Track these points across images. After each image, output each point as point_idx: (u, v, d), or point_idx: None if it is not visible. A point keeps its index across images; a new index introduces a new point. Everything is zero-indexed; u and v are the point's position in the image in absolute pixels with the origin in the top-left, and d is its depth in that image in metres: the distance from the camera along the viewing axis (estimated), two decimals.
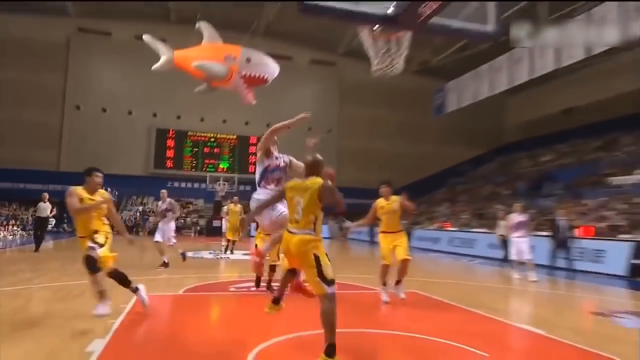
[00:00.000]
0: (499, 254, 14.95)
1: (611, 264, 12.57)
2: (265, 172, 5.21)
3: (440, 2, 3.88)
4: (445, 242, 20.53)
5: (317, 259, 3.63)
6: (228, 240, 13.67)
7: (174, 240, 10.66)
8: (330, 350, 3.39)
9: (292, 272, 4.17)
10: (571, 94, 29.02)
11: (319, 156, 4.14)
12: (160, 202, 10.92)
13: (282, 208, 4.47)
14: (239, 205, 13.71)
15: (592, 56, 18.27)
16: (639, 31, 16.08)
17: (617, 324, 6.32)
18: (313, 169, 4.07)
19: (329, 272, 3.64)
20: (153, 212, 26.19)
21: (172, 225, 10.78)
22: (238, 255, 13.58)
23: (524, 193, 24.80)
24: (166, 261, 10.25)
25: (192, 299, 7.09)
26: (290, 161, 5.39)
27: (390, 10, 4.32)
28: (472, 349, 4.45)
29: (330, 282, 3.59)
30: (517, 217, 10.94)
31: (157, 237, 10.41)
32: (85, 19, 29.45)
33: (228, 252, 13.67)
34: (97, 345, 4.15)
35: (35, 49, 28.38)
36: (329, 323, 3.48)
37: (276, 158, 5.34)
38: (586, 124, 28.10)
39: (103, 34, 30.36)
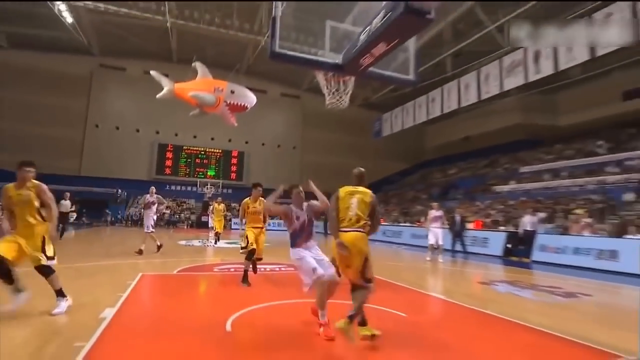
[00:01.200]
0: (420, 242, 15.29)
1: (492, 248, 13.18)
2: (293, 236, 3.93)
3: (375, 57, 4.00)
4: (380, 233, 20.84)
5: (365, 260, 3.39)
6: (217, 233, 13.20)
7: (152, 229, 9.65)
8: (352, 318, 3.20)
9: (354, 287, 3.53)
10: (468, 126, 30.19)
11: (362, 169, 3.86)
12: (148, 195, 9.77)
13: (321, 271, 3.59)
14: (222, 205, 13.42)
15: (482, 100, 19.19)
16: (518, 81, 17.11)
17: (495, 290, 6.64)
18: (362, 179, 3.79)
19: (370, 273, 3.43)
20: (139, 202, 24.59)
21: (153, 216, 9.75)
22: (222, 244, 13.27)
23: (436, 197, 25.51)
24: (159, 244, 9.59)
25: (184, 278, 6.89)
26: (310, 207, 4.06)
27: (338, 61, 4.41)
28: (394, 311, 4.56)
29: (368, 281, 3.40)
30: (435, 213, 11.26)
31: (150, 228, 9.60)
32: (106, 57, 28.94)
33: (214, 241, 13.16)
34: (109, 313, 4.05)
35: (66, 80, 27.96)
36: (359, 302, 3.29)
37: (297, 219, 3.92)
38: (478, 148, 29.20)
39: (119, 69, 29.80)
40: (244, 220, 6.24)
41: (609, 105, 22.33)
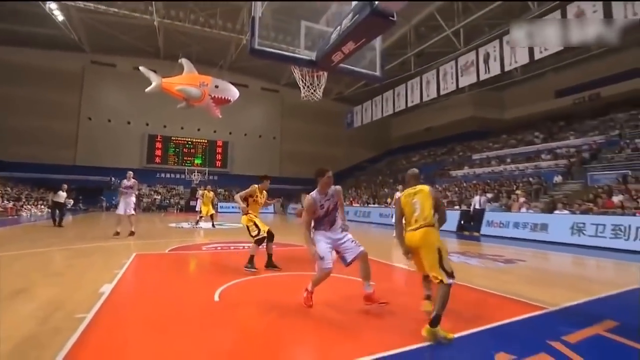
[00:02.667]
0: (386, 220, 15.60)
1: (449, 224, 13.54)
2: (316, 221, 3.58)
3: (345, 55, 4.02)
4: (352, 214, 21.15)
5: (439, 251, 3.00)
6: (211, 216, 12.79)
7: (133, 212, 9.07)
8: (436, 320, 2.72)
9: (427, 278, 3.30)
10: (429, 118, 30.80)
11: (416, 170, 3.51)
12: (125, 180, 9.02)
13: (329, 263, 3.44)
14: (212, 193, 13.18)
15: (441, 95, 19.56)
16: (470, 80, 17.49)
17: (449, 260, 6.94)
18: (417, 178, 3.42)
19: (449, 264, 3.00)
20: (115, 187, 23.15)
21: (133, 199, 9.09)
22: (208, 225, 13.09)
23: (402, 182, 26.08)
24: (118, 231, 8.81)
25: (175, 256, 6.83)
26: (337, 192, 3.64)
27: (312, 57, 4.41)
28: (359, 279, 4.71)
29: (450, 275, 2.95)
30: (399, 195, 11.44)
31: (120, 210, 8.96)
32: (97, 54, 27.47)
33: (202, 223, 12.91)
34: (107, 288, 3.99)
35: (59, 75, 26.56)
36: (442, 302, 2.81)
37: (321, 207, 3.53)
38: (437, 137, 29.96)
39: (110, 65, 28.32)
40: (243, 204, 5.40)
41: (544, 101, 23.37)
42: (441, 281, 2.90)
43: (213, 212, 12.91)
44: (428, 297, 3.39)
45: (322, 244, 3.50)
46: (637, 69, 18.58)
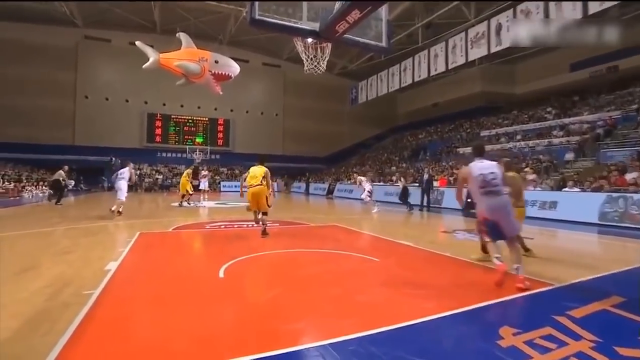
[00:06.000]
0: (391, 198, 15.65)
1: (455, 202, 13.59)
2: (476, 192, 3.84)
3: (350, 24, 3.90)
4: (356, 192, 21.14)
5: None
6: (183, 196, 13.08)
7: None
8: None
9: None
10: (437, 93, 30.23)
11: (507, 159, 4.27)
12: (128, 169, 9.60)
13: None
14: (189, 170, 13.78)
15: (450, 69, 19.10)
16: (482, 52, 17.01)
17: (455, 237, 7.03)
18: (511, 165, 4.56)
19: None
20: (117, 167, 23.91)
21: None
22: (212, 204, 13.22)
23: (407, 159, 25.98)
24: (114, 209, 9.23)
25: (179, 235, 6.95)
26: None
27: (315, 28, 4.29)
28: (368, 257, 4.80)
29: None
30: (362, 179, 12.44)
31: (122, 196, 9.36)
32: (90, 29, 26.67)
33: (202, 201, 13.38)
34: (112, 265, 4.10)
35: (52, 52, 25.87)
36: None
37: (478, 175, 3.78)
38: (444, 114, 29.49)
39: (104, 41, 27.59)
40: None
41: (558, 75, 22.71)
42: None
43: (191, 191, 13.01)
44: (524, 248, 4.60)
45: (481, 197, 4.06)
46: None
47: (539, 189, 12.05)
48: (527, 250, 5.01)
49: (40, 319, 2.57)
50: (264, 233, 6.34)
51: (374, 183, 14.60)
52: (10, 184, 18.64)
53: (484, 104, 26.49)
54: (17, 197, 16.83)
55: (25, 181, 20.47)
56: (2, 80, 24.85)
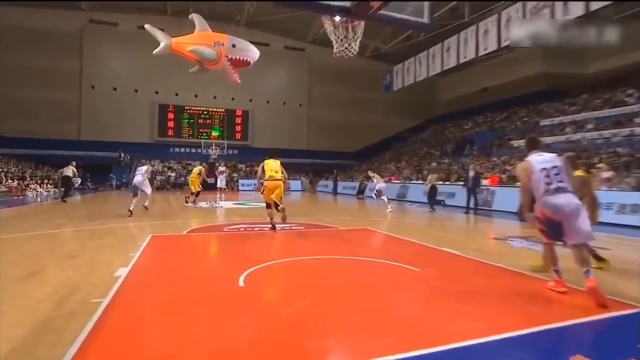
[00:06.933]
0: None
1: (510, 205, 12.81)
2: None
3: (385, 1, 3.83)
4: (391, 192, 20.83)
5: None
6: (196, 194, 13.93)
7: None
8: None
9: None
10: (486, 77, 29.38)
11: (570, 153, 4.24)
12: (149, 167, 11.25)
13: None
14: (200, 167, 14.47)
15: (502, 47, 18.41)
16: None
17: (509, 244, 6.75)
18: (576, 162, 4.40)
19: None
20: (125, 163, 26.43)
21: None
22: (229, 204, 13.55)
23: (450, 153, 25.37)
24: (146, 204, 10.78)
25: (194, 238, 7.14)
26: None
27: (346, 4, 4.23)
28: (406, 266, 4.70)
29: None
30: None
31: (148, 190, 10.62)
32: (96, 12, 27.98)
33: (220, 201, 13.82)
34: (122, 271, 4.23)
35: (54, 38, 27.16)
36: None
37: (541, 170, 3.69)
38: (496, 100, 28.57)
39: (111, 25, 28.83)
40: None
41: None
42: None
43: (199, 189, 14.00)
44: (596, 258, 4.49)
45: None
46: None
47: (616, 189, 11.35)
48: (600, 259, 4.73)
49: (46, 328, 2.69)
50: (284, 219, 7.36)
51: (411, 182, 14.57)
52: (14, 182, 19.68)
53: (545, 88, 25.37)
54: (21, 196, 17.89)
55: (29, 179, 21.65)
56: (1, 70, 25.96)
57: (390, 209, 12.25)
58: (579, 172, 4.40)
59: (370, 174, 14.15)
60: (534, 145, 4.01)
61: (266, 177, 7.27)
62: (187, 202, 13.81)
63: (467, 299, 3.52)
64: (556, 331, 2.81)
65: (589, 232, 3.54)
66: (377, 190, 12.85)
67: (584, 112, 19.94)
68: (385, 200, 12.62)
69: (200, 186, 13.94)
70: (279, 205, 7.29)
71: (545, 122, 21.52)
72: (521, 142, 20.41)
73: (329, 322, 2.93)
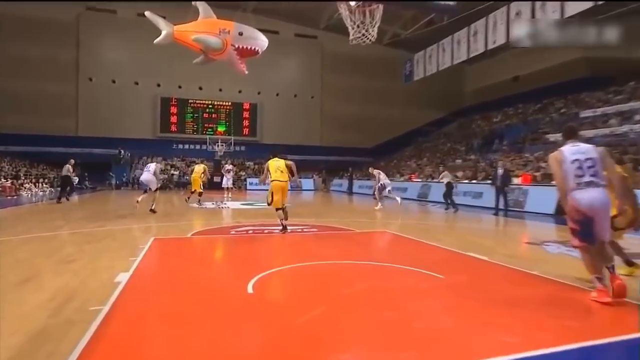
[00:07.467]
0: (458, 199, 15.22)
1: (546, 206, 12.56)
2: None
3: None
4: (412, 191, 20.71)
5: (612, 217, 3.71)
6: (199, 193, 14.24)
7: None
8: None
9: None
10: (518, 64, 28.91)
11: (604, 148, 4.06)
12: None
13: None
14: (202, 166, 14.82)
15: None
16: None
17: (544, 250, 6.61)
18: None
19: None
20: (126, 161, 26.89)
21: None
22: (237, 204, 13.66)
23: (477, 149, 25.05)
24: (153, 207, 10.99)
25: (199, 241, 7.20)
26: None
27: None
28: (429, 272, 4.65)
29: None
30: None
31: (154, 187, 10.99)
32: None
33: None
34: (123, 277, 4.28)
35: (49, 27, 27.48)
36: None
37: (573, 161, 3.70)
38: (528, 89, 28.11)
39: (109, 12, 29.22)
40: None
41: None
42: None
43: (201, 189, 14.27)
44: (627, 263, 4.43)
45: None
46: None
47: None
48: (631, 264, 4.63)
49: (43, 337, 2.74)
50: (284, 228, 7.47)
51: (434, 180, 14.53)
52: (7, 181, 19.99)
53: (586, 75, 24.86)
54: (15, 196, 18.31)
55: (23, 178, 22.03)
56: None
57: (380, 207, 12.99)
58: (619, 169, 4.28)
59: (372, 171, 14.33)
60: (571, 135, 3.98)
61: (271, 179, 7.26)
62: (187, 202, 14.10)
63: (497, 310, 3.46)
64: (598, 348, 2.74)
65: (610, 231, 3.75)
66: (380, 184, 13.27)
67: (632, 102, 19.43)
68: (390, 195, 13.41)
69: (202, 186, 14.14)
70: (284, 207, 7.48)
71: (586, 113, 21.08)
72: (558, 137, 20.03)
73: (345, 333, 2.91)
